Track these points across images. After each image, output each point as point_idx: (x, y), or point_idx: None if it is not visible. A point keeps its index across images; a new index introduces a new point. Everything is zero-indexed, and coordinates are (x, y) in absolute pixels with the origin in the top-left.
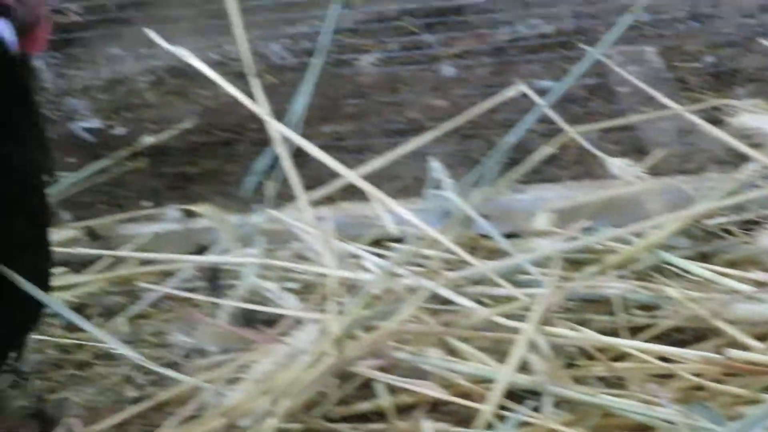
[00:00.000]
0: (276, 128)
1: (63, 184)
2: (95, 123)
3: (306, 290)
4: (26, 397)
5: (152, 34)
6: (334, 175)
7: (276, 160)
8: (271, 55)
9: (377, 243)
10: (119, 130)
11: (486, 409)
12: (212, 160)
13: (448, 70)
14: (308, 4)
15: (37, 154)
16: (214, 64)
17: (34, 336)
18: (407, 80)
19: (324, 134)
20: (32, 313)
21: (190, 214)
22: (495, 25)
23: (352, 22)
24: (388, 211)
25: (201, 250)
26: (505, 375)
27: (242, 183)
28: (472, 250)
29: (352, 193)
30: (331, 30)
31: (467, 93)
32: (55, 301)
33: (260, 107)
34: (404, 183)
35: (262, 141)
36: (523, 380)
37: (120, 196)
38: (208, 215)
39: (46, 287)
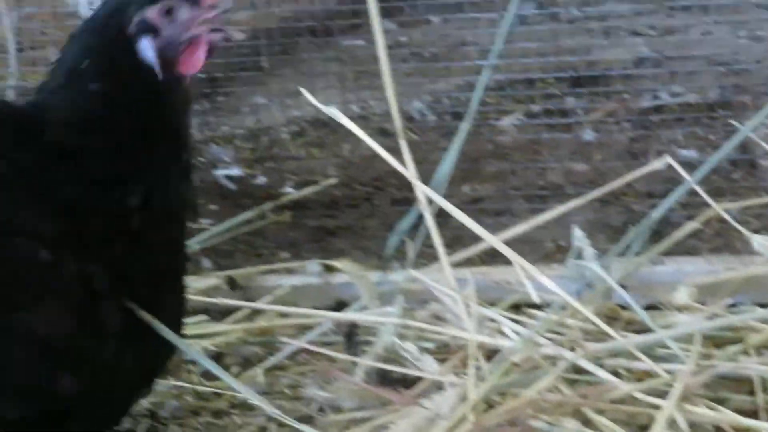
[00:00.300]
0: (422, 190)
1: (206, 232)
2: (237, 171)
3: (443, 352)
4: None
5: (304, 91)
6: (473, 236)
7: (418, 219)
8: (413, 111)
9: (516, 308)
10: (260, 180)
11: None
12: (352, 214)
13: (588, 134)
14: (449, 63)
15: (181, 187)
16: (355, 118)
17: (173, 382)
18: (548, 143)
19: (463, 194)
20: (164, 356)
21: (329, 269)
22: (638, 91)
23: (495, 81)
24: (528, 277)
25: (339, 305)
26: None
27: (384, 241)
28: (611, 320)
29: (491, 255)
30: (480, 94)
31: (608, 158)
32: (193, 349)
33: (407, 169)
34: (543, 247)
35: (402, 198)
36: None
37: (260, 246)
38: (348, 271)
39: (179, 331)
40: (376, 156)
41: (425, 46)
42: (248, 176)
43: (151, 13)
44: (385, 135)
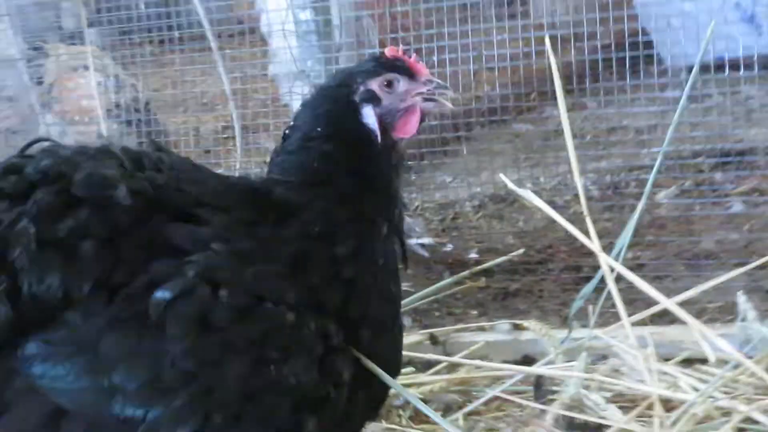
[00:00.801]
0: (605, 259)
1: (410, 295)
2: (428, 240)
3: (622, 403)
4: None
5: (502, 176)
6: (645, 299)
7: (599, 284)
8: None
9: (688, 363)
10: (448, 247)
11: None
12: (529, 277)
13: (737, 206)
14: (608, 144)
15: (391, 242)
16: None
17: (386, 425)
18: (698, 215)
19: (626, 259)
20: (383, 396)
21: (517, 327)
22: None
23: (650, 158)
24: (702, 336)
25: (526, 359)
26: None
27: (558, 302)
28: None
29: (659, 316)
30: (654, 175)
31: (756, 228)
32: (408, 393)
33: (593, 243)
34: (706, 309)
35: (573, 264)
36: None
37: (453, 306)
38: (535, 329)
39: (396, 375)
40: (548, 226)
41: (585, 129)
42: (438, 244)
43: (374, 84)
44: (554, 207)
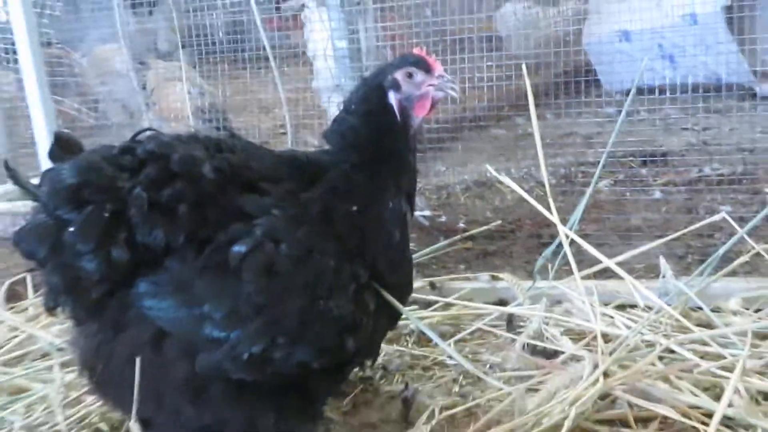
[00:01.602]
0: (563, 229)
1: (413, 252)
2: (428, 213)
3: (572, 336)
4: (392, 385)
5: (488, 167)
6: (590, 260)
7: (558, 248)
8: (539, 177)
9: (622, 308)
10: (443, 219)
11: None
12: (503, 242)
13: (657, 194)
14: (562, 145)
15: (402, 204)
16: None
17: (396, 347)
18: (629, 199)
19: (576, 231)
20: (397, 318)
21: (494, 278)
22: (688, 166)
23: (593, 157)
24: (635, 288)
25: (501, 302)
26: (722, 406)
27: (524, 261)
28: (687, 318)
29: (601, 273)
30: (600, 169)
31: (670, 211)
32: (414, 317)
33: (552, 214)
34: (635, 269)
35: (536, 233)
36: (728, 411)
37: (446, 262)
38: (507, 280)
39: (405, 303)
40: (517, 204)
41: (545, 134)
42: (435, 216)
43: (398, 74)
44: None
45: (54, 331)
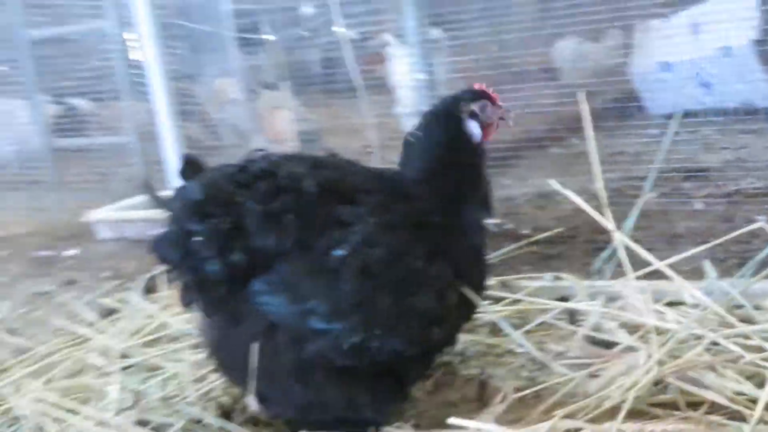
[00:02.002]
0: (618, 236)
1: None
2: (495, 221)
3: (628, 329)
4: (468, 369)
5: (552, 182)
6: (640, 262)
7: (613, 252)
8: (592, 190)
9: (671, 305)
10: (508, 226)
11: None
12: (562, 247)
13: (698, 205)
14: (612, 162)
15: (477, 210)
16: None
17: (471, 337)
18: (673, 210)
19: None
20: (473, 311)
21: (557, 278)
22: (726, 180)
23: (640, 173)
24: (684, 288)
25: (563, 298)
26: (766, 392)
27: (582, 264)
28: (730, 315)
29: (650, 275)
30: (650, 183)
31: (711, 220)
32: (489, 310)
33: (609, 223)
34: (683, 271)
35: (591, 239)
36: None
37: (514, 263)
38: (568, 279)
39: (481, 299)
40: (574, 214)
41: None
42: (502, 224)
43: (476, 107)
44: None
45: (183, 319)
